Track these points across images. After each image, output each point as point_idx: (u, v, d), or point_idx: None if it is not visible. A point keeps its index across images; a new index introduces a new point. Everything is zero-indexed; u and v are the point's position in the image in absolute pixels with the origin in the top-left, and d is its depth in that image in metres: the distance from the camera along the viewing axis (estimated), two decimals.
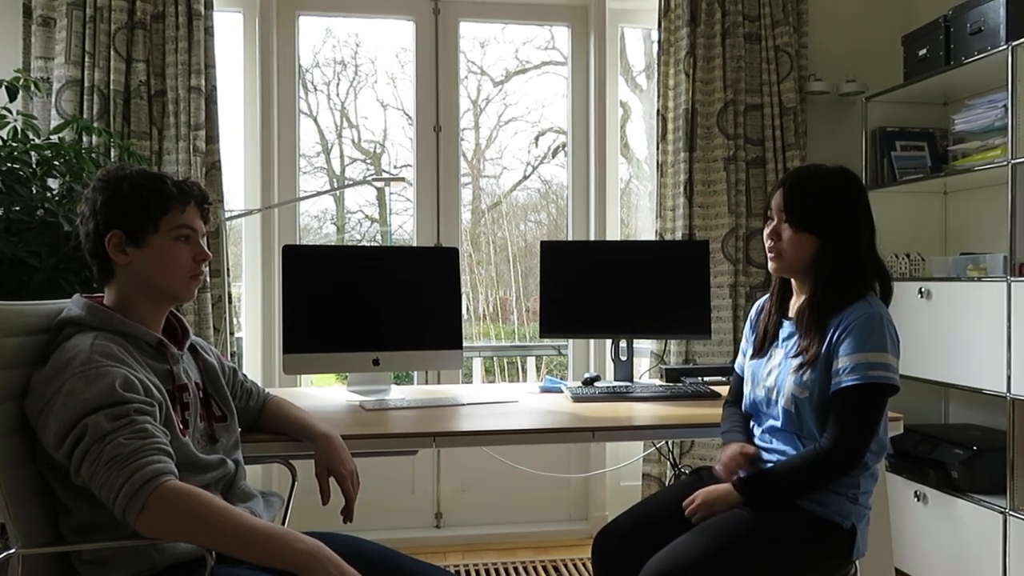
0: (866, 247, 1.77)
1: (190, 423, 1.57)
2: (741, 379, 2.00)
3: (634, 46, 3.83)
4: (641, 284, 2.70)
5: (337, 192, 3.79)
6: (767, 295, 1.98)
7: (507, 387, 2.84)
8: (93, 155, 2.62)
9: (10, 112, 2.51)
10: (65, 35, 2.94)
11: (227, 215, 3.14)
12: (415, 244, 3.52)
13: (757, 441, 1.87)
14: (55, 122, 2.88)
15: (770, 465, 1.78)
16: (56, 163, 2.49)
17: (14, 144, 2.45)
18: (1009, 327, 2.62)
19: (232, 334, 3.13)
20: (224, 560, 1.46)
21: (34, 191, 2.42)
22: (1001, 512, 2.64)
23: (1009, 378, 2.63)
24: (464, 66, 3.63)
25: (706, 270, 2.70)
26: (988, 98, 2.91)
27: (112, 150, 2.87)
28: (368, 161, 3.85)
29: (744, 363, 1.99)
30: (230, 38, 3.36)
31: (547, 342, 3.91)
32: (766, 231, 1.84)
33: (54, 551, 1.47)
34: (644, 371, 3.33)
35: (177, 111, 3.02)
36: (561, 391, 2.58)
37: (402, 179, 3.10)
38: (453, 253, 2.62)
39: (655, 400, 2.40)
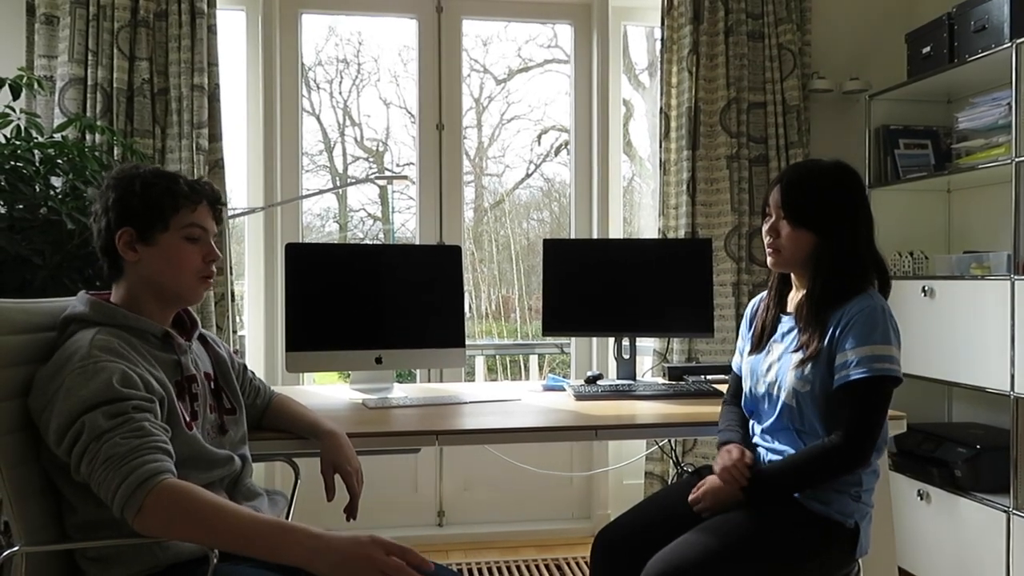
0: (864, 241, 1.77)
1: (199, 414, 1.57)
2: (739, 378, 2.00)
3: (637, 44, 3.83)
4: (644, 282, 2.69)
5: (340, 190, 3.79)
6: (764, 292, 1.99)
7: (510, 385, 2.84)
8: (96, 153, 2.62)
9: (13, 110, 2.52)
10: (68, 33, 2.94)
11: (230, 213, 3.14)
12: (418, 242, 3.52)
13: (757, 440, 1.87)
14: (58, 120, 2.89)
15: (775, 460, 1.77)
16: (59, 161, 2.50)
17: (17, 142, 2.45)
18: (1013, 325, 2.61)
19: (235, 332, 3.14)
20: (227, 558, 1.46)
21: (37, 189, 2.42)
22: (1004, 511, 2.64)
23: (1013, 377, 2.62)
24: (467, 64, 3.63)
25: (709, 268, 2.70)
26: (992, 96, 2.90)
27: (115, 148, 2.87)
28: (371, 159, 3.85)
29: (742, 361, 1.98)
30: (233, 36, 3.36)
31: (549, 340, 3.92)
32: (765, 227, 1.84)
33: (58, 549, 1.47)
34: (647, 369, 3.33)
35: (180, 109, 3.02)
36: (564, 389, 2.58)
37: (405, 177, 3.10)
38: (456, 251, 2.62)
39: (658, 398, 2.40)
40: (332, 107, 3.74)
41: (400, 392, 2.50)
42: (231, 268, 3.10)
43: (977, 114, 2.96)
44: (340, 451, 1.77)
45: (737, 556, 1.63)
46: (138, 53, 3.00)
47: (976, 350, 2.78)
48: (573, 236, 3.61)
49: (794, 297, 1.87)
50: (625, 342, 2.71)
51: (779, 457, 1.78)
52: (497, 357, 4.14)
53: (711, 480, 1.79)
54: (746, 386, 1.92)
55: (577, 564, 3.23)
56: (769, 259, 1.84)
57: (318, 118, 3.71)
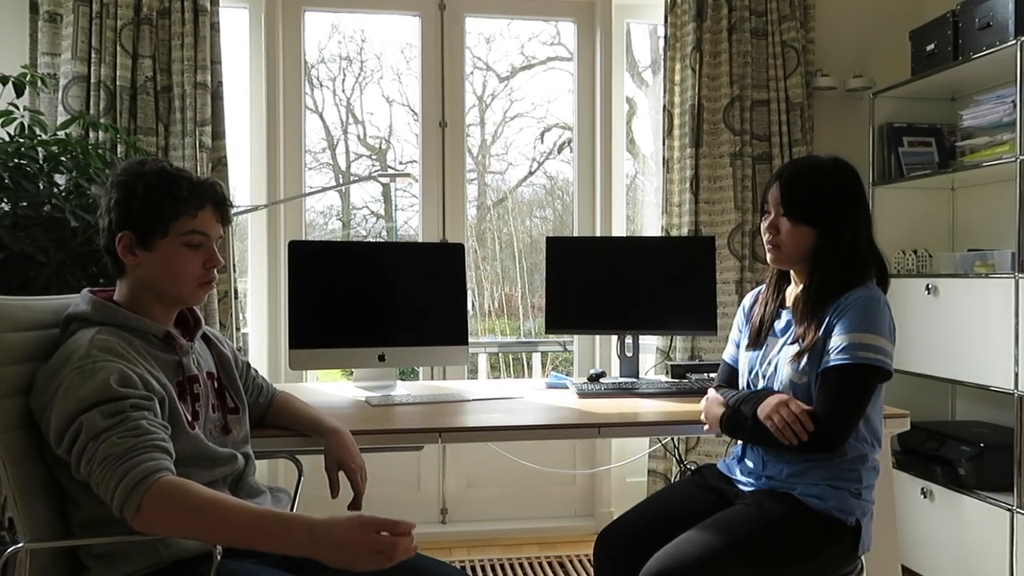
0: (864, 236, 1.78)
1: (201, 414, 1.57)
2: (730, 367, 2.01)
3: (640, 42, 3.82)
4: (647, 280, 2.69)
5: (343, 188, 3.80)
6: (760, 286, 1.99)
7: (512, 383, 2.83)
8: (100, 151, 2.63)
9: (17, 108, 2.52)
10: (72, 31, 2.94)
11: (233, 211, 3.13)
12: (420, 240, 3.52)
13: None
14: (62, 118, 2.89)
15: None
16: (63, 159, 2.50)
17: (21, 140, 2.46)
18: (1017, 324, 2.61)
19: (238, 330, 3.14)
20: (231, 554, 1.47)
21: (41, 187, 2.42)
22: (1008, 509, 2.63)
23: (1016, 375, 2.62)
24: (470, 62, 3.63)
25: (712, 266, 2.70)
26: (996, 93, 2.89)
27: (119, 146, 2.88)
28: (374, 157, 3.85)
29: (737, 354, 1.98)
30: (236, 34, 3.36)
31: (552, 338, 3.91)
32: (764, 224, 1.84)
33: (62, 545, 1.47)
34: (650, 367, 3.33)
35: (183, 107, 3.02)
36: (566, 387, 2.57)
37: (407, 175, 3.10)
38: (458, 249, 2.62)
39: (661, 396, 2.40)
40: (335, 104, 3.74)
41: (403, 390, 2.50)
42: (234, 266, 3.11)
43: (981, 112, 2.95)
44: (344, 448, 1.77)
45: (739, 554, 1.63)
46: (141, 51, 3.00)
47: (980, 348, 2.77)
48: (576, 234, 3.61)
49: (792, 292, 1.88)
50: (628, 340, 2.70)
51: (777, 454, 1.78)
52: (500, 355, 4.14)
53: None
54: (743, 380, 1.92)
55: (580, 562, 3.23)
56: (769, 255, 1.85)
57: (321, 116, 3.71)
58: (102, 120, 2.89)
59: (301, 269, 2.43)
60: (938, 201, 3.43)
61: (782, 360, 1.78)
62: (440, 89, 3.49)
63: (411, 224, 3.81)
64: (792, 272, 1.88)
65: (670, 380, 2.64)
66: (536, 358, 4.06)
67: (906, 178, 3.27)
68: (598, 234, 3.53)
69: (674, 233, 3.34)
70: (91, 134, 2.88)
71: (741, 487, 1.86)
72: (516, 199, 3.99)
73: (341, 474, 1.75)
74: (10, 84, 2.47)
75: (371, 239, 3.93)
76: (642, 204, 3.82)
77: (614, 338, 2.96)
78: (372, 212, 4.01)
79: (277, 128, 3.35)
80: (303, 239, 3.30)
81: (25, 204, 2.37)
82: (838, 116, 3.56)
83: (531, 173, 3.93)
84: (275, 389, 1.94)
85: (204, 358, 1.66)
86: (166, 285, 1.53)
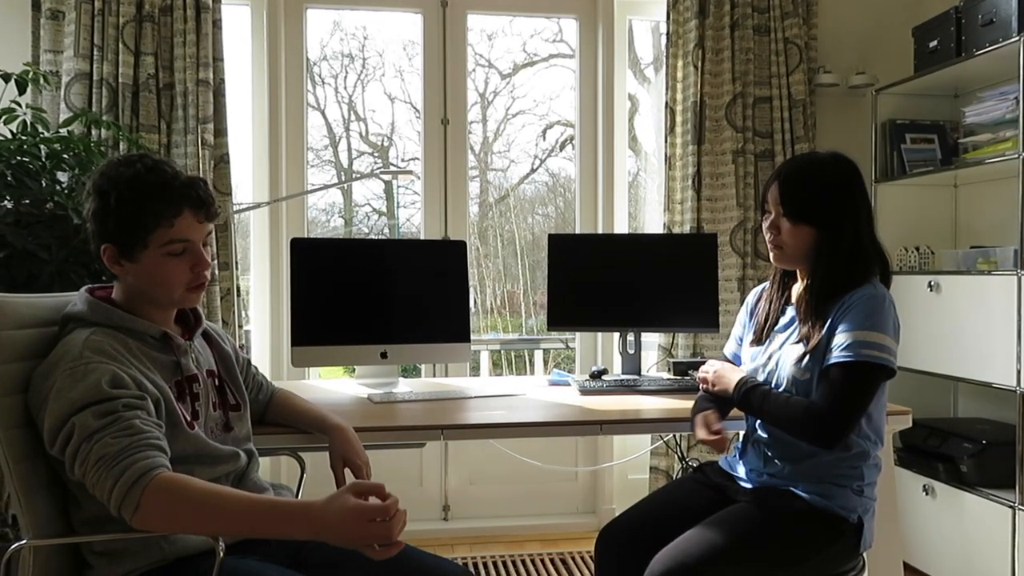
0: (866, 233, 1.76)
1: (201, 413, 1.57)
2: (729, 363, 2.01)
3: (642, 38, 3.82)
4: (649, 277, 2.69)
5: (345, 185, 3.80)
6: (765, 283, 1.98)
7: (515, 380, 2.84)
8: (102, 148, 2.63)
9: (19, 105, 2.52)
10: (74, 28, 2.94)
11: (235, 208, 3.14)
12: (423, 237, 3.52)
13: (757, 434, 1.86)
14: (64, 115, 2.89)
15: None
16: (65, 156, 2.50)
17: (23, 137, 2.46)
18: (1019, 321, 2.60)
19: (240, 327, 3.14)
20: (234, 551, 1.47)
21: (43, 184, 2.43)
22: (1010, 506, 2.63)
23: (1019, 372, 2.62)
24: (472, 59, 3.63)
25: (714, 263, 2.70)
26: (999, 90, 2.89)
27: (121, 143, 2.88)
28: (376, 154, 3.85)
29: (738, 350, 1.98)
30: (238, 31, 3.36)
31: (554, 335, 3.92)
32: (765, 224, 1.83)
33: (65, 542, 1.48)
34: (652, 364, 3.33)
35: (185, 104, 3.02)
36: (568, 384, 2.58)
37: (409, 172, 3.10)
38: (461, 246, 2.62)
39: (663, 393, 2.40)
40: (337, 102, 3.74)
41: (405, 387, 2.50)
42: (236, 263, 3.11)
43: (984, 108, 2.95)
44: (349, 445, 1.77)
45: (742, 552, 1.63)
46: (143, 48, 3.00)
47: (982, 345, 2.77)
48: (578, 231, 3.61)
49: (797, 288, 1.87)
50: (630, 337, 2.71)
51: (779, 451, 1.78)
52: (502, 352, 4.15)
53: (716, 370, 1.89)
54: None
55: (582, 559, 3.23)
56: (772, 256, 1.84)
57: (323, 113, 3.71)
58: (104, 117, 2.89)
59: (303, 266, 2.43)
60: (940, 198, 3.42)
61: (786, 358, 1.78)
62: (442, 86, 3.49)
63: (413, 221, 3.81)
64: (797, 269, 1.87)
65: (672, 377, 2.64)
66: (538, 355, 4.06)
67: (908, 175, 3.26)
68: (600, 231, 3.53)
69: (676, 230, 3.34)
70: (93, 131, 2.89)
71: (743, 484, 1.86)
72: (518, 196, 3.99)
73: (346, 471, 1.75)
74: (12, 82, 2.47)
75: (373, 236, 3.93)
76: (644, 201, 3.82)
77: (616, 335, 2.96)
78: (374, 209, 4.01)
79: (279, 125, 3.35)
80: (305, 236, 3.30)
81: (27, 201, 2.37)
82: (840, 113, 3.55)
83: (533, 170, 3.93)
84: (275, 387, 1.94)
85: (204, 356, 1.66)
86: (156, 292, 1.52)
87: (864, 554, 1.78)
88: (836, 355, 1.66)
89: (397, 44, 3.66)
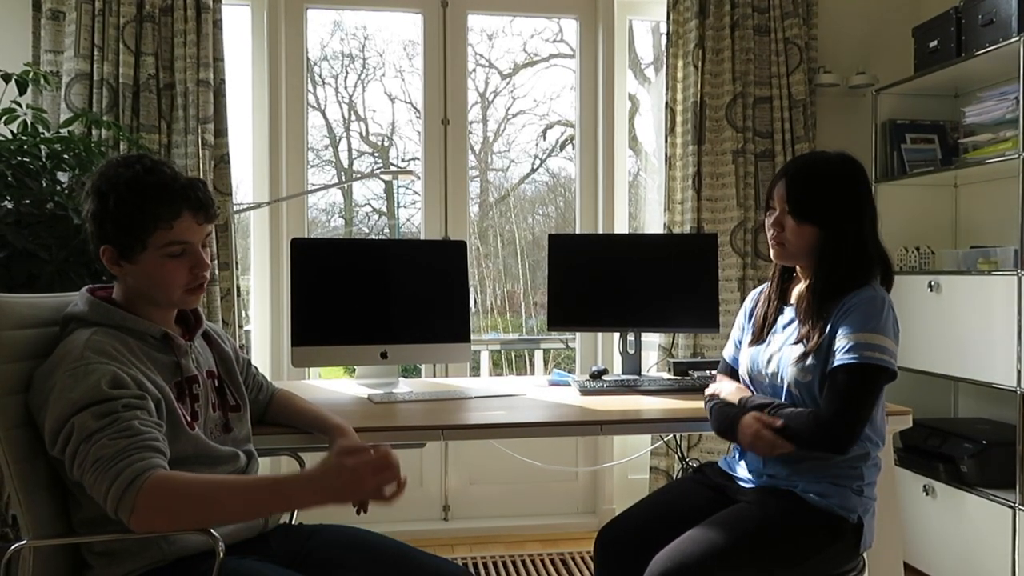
0: (869, 234, 1.77)
1: (201, 414, 1.57)
2: (729, 367, 2.00)
3: (642, 38, 3.82)
4: (649, 277, 2.69)
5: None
6: (764, 284, 1.98)
7: (515, 380, 2.84)
8: (102, 149, 2.63)
9: (20, 106, 2.52)
10: (74, 28, 2.94)
11: (235, 208, 3.14)
12: (423, 237, 3.52)
13: None
14: (64, 115, 2.89)
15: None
16: (66, 156, 2.50)
17: (24, 138, 2.46)
18: (1019, 321, 2.60)
19: (241, 327, 3.15)
20: (233, 551, 1.47)
21: (44, 184, 2.43)
22: (1010, 506, 2.63)
23: (1019, 372, 2.62)
24: (472, 59, 3.63)
25: (714, 263, 2.70)
26: (1000, 90, 2.89)
27: (121, 143, 2.88)
28: (376, 154, 3.85)
29: (738, 353, 1.98)
30: (238, 31, 3.36)
31: (555, 335, 3.92)
32: (768, 220, 1.83)
33: (65, 543, 1.48)
34: (652, 364, 3.33)
35: (186, 104, 3.02)
36: (569, 384, 2.58)
37: (410, 172, 3.10)
38: (461, 246, 2.62)
39: (663, 393, 2.40)
40: (337, 102, 3.74)
41: (405, 387, 2.50)
42: (237, 263, 3.11)
43: (984, 108, 2.95)
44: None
45: (742, 552, 1.63)
46: (144, 48, 3.00)
47: (982, 345, 2.77)
48: (578, 231, 3.61)
49: (796, 288, 1.87)
50: (630, 337, 2.71)
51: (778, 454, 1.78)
52: (502, 352, 4.15)
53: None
54: (743, 377, 1.92)
55: (582, 559, 3.23)
56: (773, 252, 1.84)
57: (323, 113, 3.71)
58: (105, 118, 2.89)
59: (303, 266, 2.43)
60: (941, 198, 3.42)
61: (786, 359, 1.78)
62: (442, 86, 3.49)
63: (413, 221, 3.82)
64: (797, 269, 1.87)
65: (672, 377, 2.64)
66: (538, 355, 4.07)
67: (909, 175, 3.26)
68: (600, 231, 3.53)
69: (676, 230, 3.34)
70: (94, 132, 2.89)
71: (742, 484, 1.86)
72: (518, 196, 3.99)
73: None
74: (13, 82, 2.48)
75: (373, 236, 3.93)
76: (644, 201, 3.82)
77: (616, 335, 2.96)
78: (374, 209, 4.01)
79: (279, 125, 3.36)
80: (305, 236, 3.30)
81: (28, 202, 2.37)
82: (841, 113, 3.55)
83: (533, 170, 3.93)
84: (274, 387, 1.94)
85: (204, 356, 1.66)
86: (155, 293, 1.52)
87: (864, 554, 1.78)
88: (839, 358, 1.65)
89: (397, 44, 3.66)
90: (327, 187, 3.65)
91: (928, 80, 3.18)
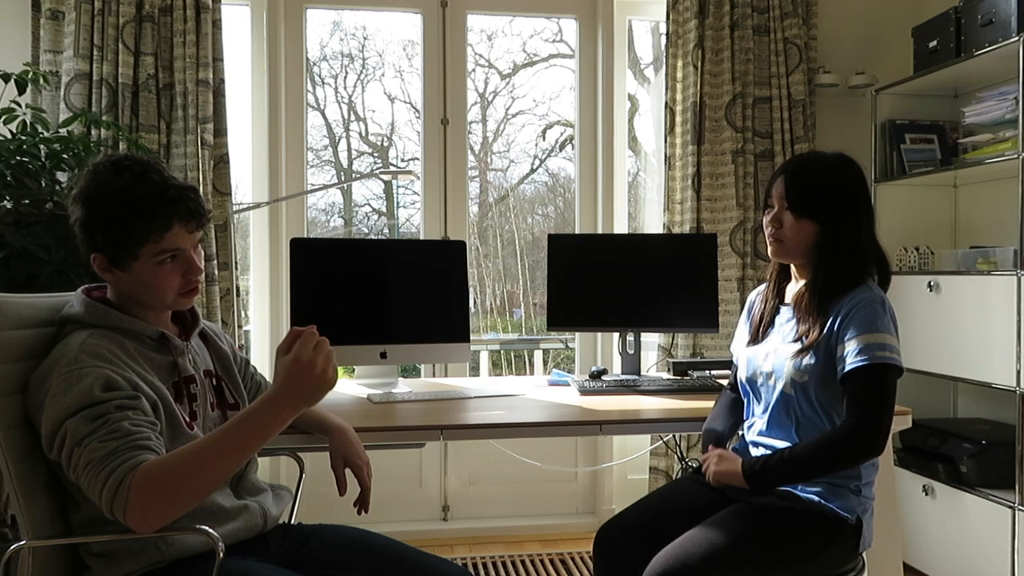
0: (866, 232, 1.78)
1: (199, 414, 1.56)
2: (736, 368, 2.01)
3: (642, 39, 3.82)
4: (648, 277, 2.69)
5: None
6: (762, 285, 1.99)
7: (514, 380, 2.84)
8: (102, 148, 2.63)
9: (19, 105, 2.52)
10: (73, 28, 2.94)
11: (235, 208, 3.14)
12: (422, 237, 3.52)
13: (753, 438, 1.86)
14: (64, 115, 2.89)
15: (781, 448, 1.75)
16: (65, 156, 2.50)
17: (23, 137, 2.46)
18: (1019, 321, 2.60)
19: (240, 327, 3.15)
20: (232, 552, 1.47)
21: (43, 184, 2.43)
22: (1010, 507, 2.63)
23: (1018, 372, 2.62)
24: (471, 59, 3.63)
25: (714, 263, 2.70)
26: (999, 90, 2.89)
27: (120, 143, 2.88)
28: (375, 154, 3.85)
29: (739, 351, 1.98)
30: (238, 31, 3.36)
31: (554, 335, 3.92)
32: (767, 218, 1.84)
33: (63, 543, 1.48)
34: (651, 364, 3.33)
35: (185, 104, 3.02)
36: (568, 384, 2.58)
37: (409, 172, 3.10)
38: (460, 246, 2.62)
39: (662, 393, 2.40)
40: (337, 102, 3.74)
41: (405, 387, 2.51)
42: (236, 263, 3.11)
43: (984, 108, 2.95)
44: (350, 445, 1.77)
45: (742, 553, 1.63)
46: (143, 48, 3.00)
47: (982, 345, 2.77)
48: (578, 231, 3.61)
49: (792, 288, 1.87)
50: (630, 337, 2.71)
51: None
52: (502, 352, 4.15)
53: (715, 465, 1.79)
54: (742, 375, 1.92)
55: (581, 559, 3.23)
56: (771, 249, 1.84)
57: (323, 113, 3.71)
58: (104, 117, 2.89)
59: (303, 266, 2.43)
60: (940, 198, 3.42)
61: (783, 357, 1.78)
62: (442, 86, 3.49)
63: (413, 221, 3.81)
64: (793, 268, 1.88)
65: (672, 377, 2.64)
66: (538, 355, 4.06)
67: (908, 175, 3.26)
68: (600, 231, 3.53)
69: (676, 230, 3.34)
70: (93, 131, 2.89)
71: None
72: (518, 196, 3.99)
73: (347, 471, 1.75)
74: (12, 82, 2.47)
75: (373, 236, 3.93)
76: (644, 201, 3.82)
77: (616, 335, 2.96)
78: (374, 209, 4.01)
79: (279, 125, 3.35)
80: (305, 236, 3.30)
81: (27, 202, 2.37)
82: (840, 113, 3.55)
83: (533, 170, 3.93)
84: None
85: (201, 356, 1.65)
86: (148, 298, 1.51)
87: (864, 554, 1.78)
88: (851, 362, 1.65)
89: (397, 44, 3.66)
90: (326, 187, 3.65)
91: (927, 80, 3.18)
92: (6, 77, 2.47)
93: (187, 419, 1.50)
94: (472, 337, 2.66)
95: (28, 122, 2.51)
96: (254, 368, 1.89)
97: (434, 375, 3.47)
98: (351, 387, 2.52)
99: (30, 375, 1.44)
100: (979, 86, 3.16)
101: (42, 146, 2.48)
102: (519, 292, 4.06)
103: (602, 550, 1.87)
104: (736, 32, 3.32)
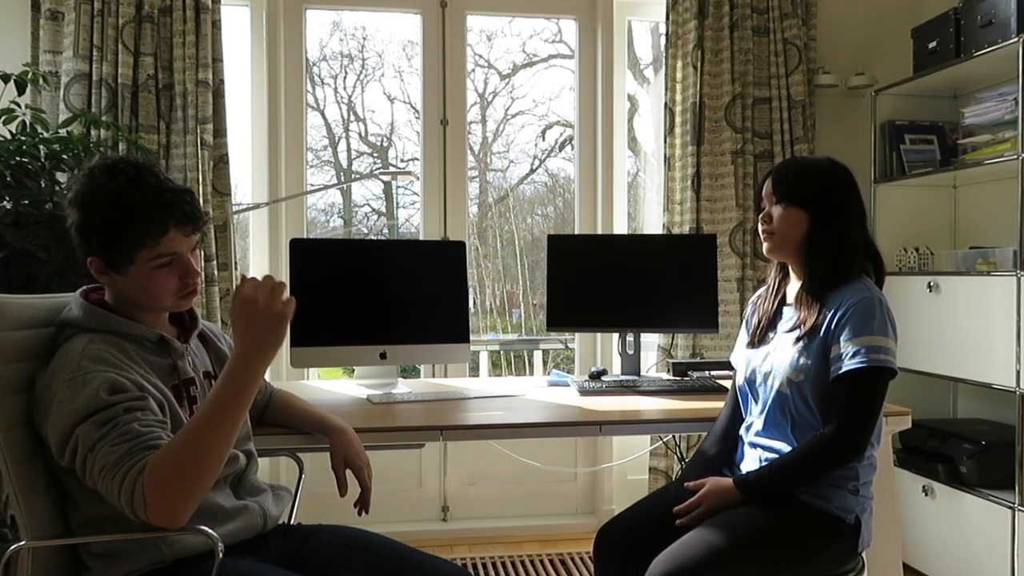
0: (857, 226, 1.79)
1: None
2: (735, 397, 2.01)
3: (641, 39, 3.82)
4: (648, 278, 2.69)
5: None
6: (762, 288, 1.99)
7: (514, 381, 2.84)
8: (101, 149, 2.63)
9: (19, 106, 2.52)
10: (73, 29, 2.94)
11: (235, 209, 3.14)
12: (422, 238, 3.52)
13: (751, 440, 1.86)
14: (63, 116, 2.89)
15: (769, 460, 1.77)
16: (64, 157, 2.50)
17: (23, 138, 2.46)
18: (1019, 321, 2.60)
19: None
20: (232, 552, 1.47)
21: (43, 185, 2.43)
22: (1009, 507, 2.63)
23: (1018, 373, 2.62)
24: (471, 59, 3.63)
25: (713, 264, 2.70)
26: (998, 91, 2.89)
27: (120, 144, 2.88)
28: (375, 155, 3.85)
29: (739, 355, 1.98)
30: (237, 31, 3.36)
31: (554, 336, 3.92)
32: (759, 218, 1.86)
33: (63, 544, 1.48)
34: (651, 365, 3.32)
35: (185, 104, 3.02)
36: (568, 385, 2.58)
37: (409, 173, 3.10)
38: (460, 247, 2.62)
39: (662, 394, 2.40)
40: (336, 102, 3.74)
41: (404, 387, 2.50)
42: (236, 263, 3.11)
43: (983, 109, 2.95)
44: (351, 446, 1.77)
45: (741, 554, 1.63)
46: (143, 48, 3.00)
47: (981, 346, 2.77)
48: (577, 231, 3.61)
49: (793, 288, 1.88)
50: (629, 337, 2.71)
51: (776, 454, 1.78)
52: (501, 352, 4.15)
53: (707, 497, 1.77)
54: (740, 377, 1.92)
55: (581, 559, 3.23)
56: (764, 246, 1.86)
57: (322, 113, 3.71)
58: (104, 118, 2.89)
59: (303, 267, 2.43)
60: (940, 199, 3.43)
61: (782, 355, 1.78)
62: (441, 86, 3.49)
63: (412, 222, 3.81)
64: (790, 268, 1.88)
65: (671, 378, 2.64)
66: (537, 356, 4.06)
67: (908, 176, 3.26)
68: (599, 232, 3.53)
69: (675, 231, 3.34)
70: (93, 132, 2.89)
71: None
72: (517, 197, 3.99)
73: (348, 472, 1.75)
74: (12, 82, 2.47)
75: (372, 237, 3.93)
76: (643, 202, 3.82)
77: (615, 336, 2.96)
78: (373, 210, 4.01)
79: (279, 126, 3.35)
80: (305, 237, 3.30)
81: (27, 202, 2.37)
82: (840, 114, 3.56)
83: (532, 171, 3.93)
84: (272, 388, 1.94)
85: (200, 358, 1.65)
86: (146, 301, 1.51)
87: (863, 555, 1.78)
88: (845, 364, 1.66)
89: (396, 45, 3.66)
90: (326, 187, 3.65)
91: (927, 81, 3.18)
92: (6, 77, 2.47)
93: (187, 421, 1.50)
94: (472, 337, 2.66)
95: (28, 122, 2.51)
96: None
97: (434, 375, 3.47)
98: (350, 387, 2.52)
99: (31, 378, 1.44)
100: (979, 87, 3.16)
101: (42, 147, 2.48)
102: (519, 292, 4.06)
103: (602, 551, 1.87)
104: (736, 33, 3.32)
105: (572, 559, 3.24)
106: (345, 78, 3.72)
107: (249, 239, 3.44)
